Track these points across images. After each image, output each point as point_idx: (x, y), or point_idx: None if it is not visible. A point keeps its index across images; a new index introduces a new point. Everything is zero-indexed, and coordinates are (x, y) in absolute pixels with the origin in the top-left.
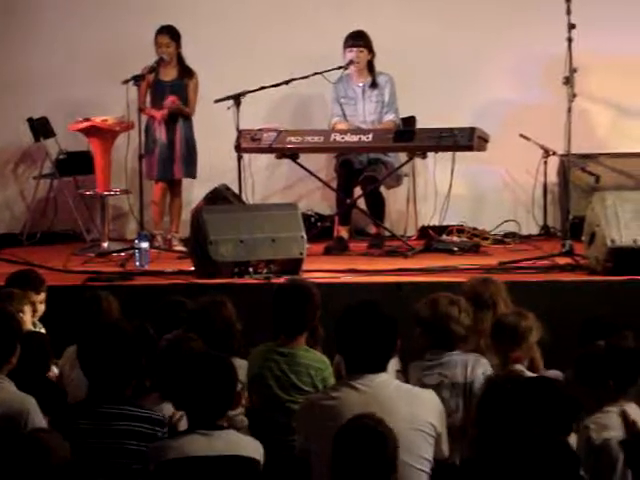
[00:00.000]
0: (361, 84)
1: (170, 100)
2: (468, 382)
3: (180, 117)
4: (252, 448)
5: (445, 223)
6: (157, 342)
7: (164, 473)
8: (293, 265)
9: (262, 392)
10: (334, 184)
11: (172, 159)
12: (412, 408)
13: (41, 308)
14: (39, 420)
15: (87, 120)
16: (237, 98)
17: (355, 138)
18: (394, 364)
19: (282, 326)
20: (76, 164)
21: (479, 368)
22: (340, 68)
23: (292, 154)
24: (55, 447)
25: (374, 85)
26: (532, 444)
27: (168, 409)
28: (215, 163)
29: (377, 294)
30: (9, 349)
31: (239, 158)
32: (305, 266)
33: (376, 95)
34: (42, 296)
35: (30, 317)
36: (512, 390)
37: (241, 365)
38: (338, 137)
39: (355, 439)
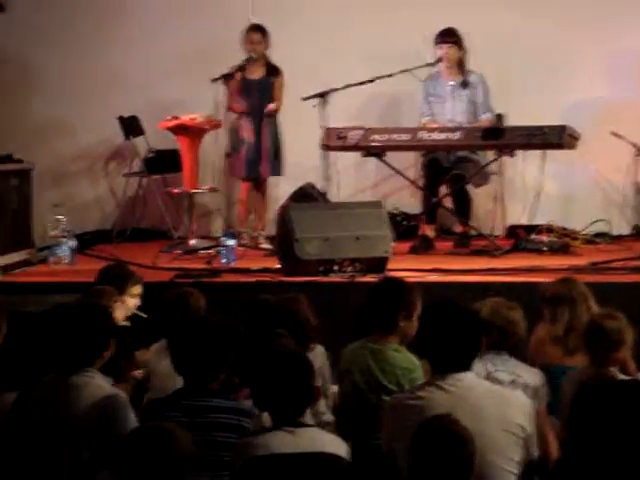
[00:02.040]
0: (451, 83)
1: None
2: (538, 386)
3: (266, 115)
4: (337, 445)
5: (534, 222)
6: (245, 339)
7: (250, 470)
8: (378, 264)
9: (349, 388)
10: (421, 182)
11: (259, 158)
12: (501, 409)
13: (134, 302)
14: (131, 416)
15: (176, 118)
16: (324, 96)
17: (442, 136)
18: None
19: (374, 324)
20: (164, 162)
21: (539, 375)
22: (429, 65)
23: (378, 152)
24: (179, 438)
25: (465, 84)
26: (628, 447)
27: None
28: (301, 161)
29: (464, 294)
30: (102, 344)
31: (325, 156)
32: (390, 265)
33: (467, 95)
34: (139, 289)
35: (120, 313)
36: (606, 393)
37: (317, 354)
38: (425, 135)
39: (432, 439)
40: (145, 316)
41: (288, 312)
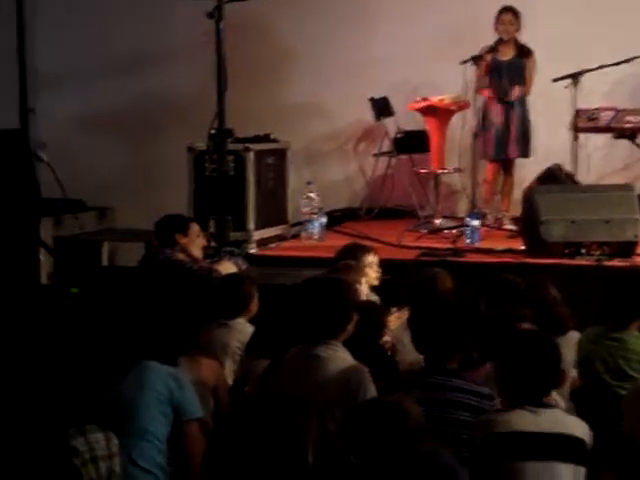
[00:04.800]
0: None
1: (515, 94)
2: None
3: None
4: (579, 428)
5: None
6: (487, 318)
7: (491, 445)
8: (626, 248)
9: (589, 375)
10: None
11: (507, 139)
12: None
13: (375, 272)
14: (372, 389)
15: (425, 100)
16: (575, 77)
17: None
18: None
19: (615, 311)
20: (413, 143)
21: None
22: None
23: (630, 134)
24: (411, 412)
25: None
26: None
27: None
28: (549, 142)
29: None
30: (345, 318)
31: (575, 138)
32: (639, 249)
33: None
34: (375, 259)
35: (365, 288)
36: None
37: (570, 339)
38: None
39: None
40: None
41: (536, 294)
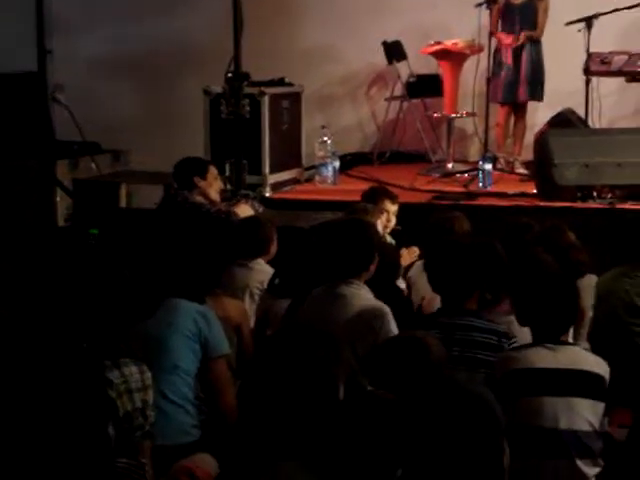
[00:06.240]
0: None
1: (522, 39)
2: None
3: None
4: (597, 364)
5: None
6: (504, 260)
7: (510, 382)
8: (639, 191)
9: (606, 312)
10: None
11: (517, 82)
12: None
13: (393, 220)
14: (394, 327)
15: (438, 43)
16: (589, 20)
17: None
18: None
19: (631, 252)
20: (425, 87)
21: None
22: None
23: None
24: (433, 346)
25: None
26: None
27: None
28: (562, 86)
29: None
30: (369, 257)
31: (587, 81)
32: None
33: None
34: (395, 207)
35: (382, 230)
36: None
37: (587, 282)
38: None
39: None
40: (400, 228)
41: (554, 238)
